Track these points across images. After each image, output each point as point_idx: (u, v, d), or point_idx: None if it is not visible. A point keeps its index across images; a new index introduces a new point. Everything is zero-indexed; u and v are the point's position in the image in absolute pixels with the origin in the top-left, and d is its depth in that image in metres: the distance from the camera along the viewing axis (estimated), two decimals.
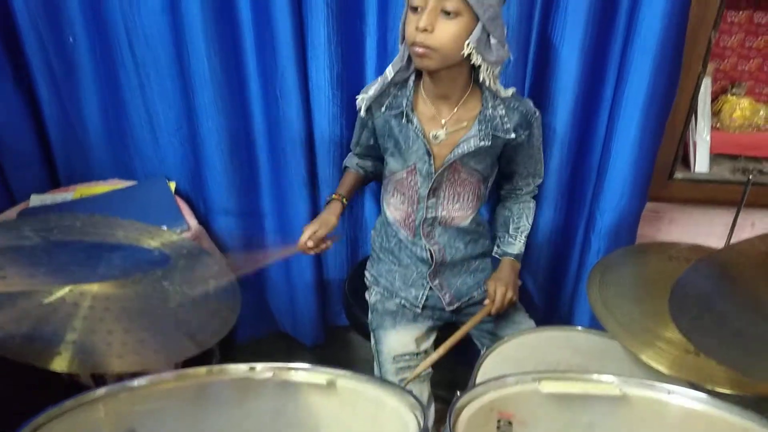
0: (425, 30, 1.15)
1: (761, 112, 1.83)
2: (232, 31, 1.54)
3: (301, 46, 1.53)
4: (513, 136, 1.32)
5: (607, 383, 0.89)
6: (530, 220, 1.51)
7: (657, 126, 1.54)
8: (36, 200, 1.70)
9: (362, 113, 1.38)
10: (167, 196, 1.74)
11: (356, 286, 1.65)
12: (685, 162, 1.83)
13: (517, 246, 1.48)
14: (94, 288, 1.06)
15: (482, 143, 1.30)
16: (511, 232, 1.49)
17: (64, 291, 1.05)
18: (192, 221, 1.66)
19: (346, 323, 1.82)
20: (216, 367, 0.90)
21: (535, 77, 1.58)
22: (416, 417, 0.81)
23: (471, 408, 0.79)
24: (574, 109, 1.56)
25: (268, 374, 0.91)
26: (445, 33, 1.16)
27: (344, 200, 1.49)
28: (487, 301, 1.39)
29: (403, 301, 1.47)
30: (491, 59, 1.22)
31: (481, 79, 1.27)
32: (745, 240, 0.97)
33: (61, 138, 1.74)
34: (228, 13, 1.51)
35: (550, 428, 0.86)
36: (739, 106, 1.84)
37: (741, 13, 1.81)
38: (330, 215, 1.44)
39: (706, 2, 1.49)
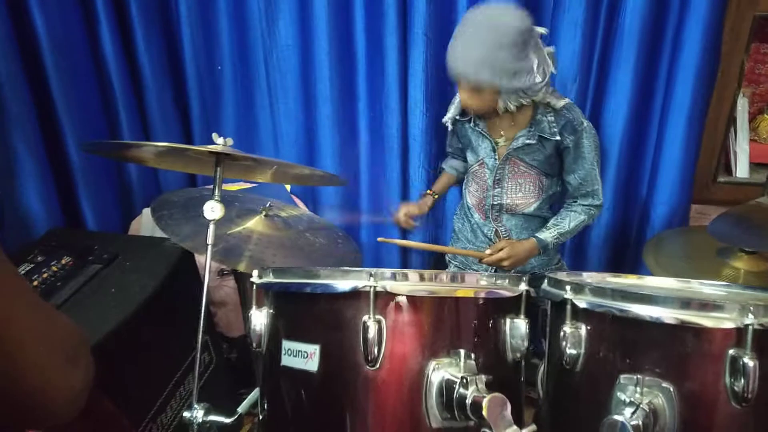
0: (466, 103, 1.55)
1: None
2: (350, 58, 1.95)
3: (404, 69, 1.92)
4: (558, 138, 1.56)
5: None
6: (571, 225, 1.62)
7: (698, 132, 1.84)
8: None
9: (449, 126, 1.75)
10: (284, 193, 2.13)
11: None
12: (730, 172, 2.10)
13: (546, 234, 1.62)
14: (259, 228, 1.46)
15: (528, 141, 1.59)
16: (549, 224, 1.66)
17: (239, 228, 1.45)
18: (305, 209, 2.03)
19: None
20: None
21: (596, 96, 1.91)
22: None
23: None
24: (628, 121, 1.88)
25: None
26: (479, 102, 1.53)
27: (435, 195, 1.86)
28: (488, 250, 1.62)
29: None
30: (527, 97, 1.51)
31: (527, 102, 1.54)
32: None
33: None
34: (347, 43, 1.92)
35: None
36: None
37: None
38: (423, 204, 1.82)
39: (737, 33, 1.81)
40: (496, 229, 1.73)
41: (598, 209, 1.67)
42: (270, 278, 0.96)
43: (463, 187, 1.84)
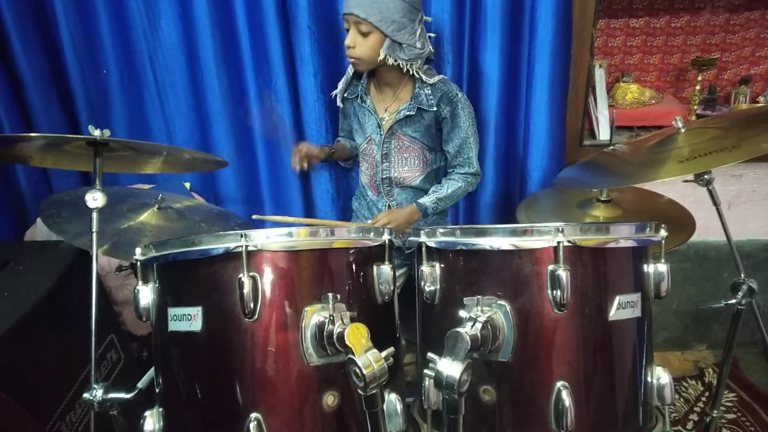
0: (350, 47, 1.64)
1: (646, 93, 2.37)
2: (235, 53, 2.00)
3: (290, 61, 2.00)
4: (435, 109, 1.73)
5: None
6: (449, 191, 1.77)
7: (560, 100, 2.03)
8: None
9: (339, 104, 1.84)
10: (184, 191, 2.16)
11: None
12: (595, 136, 2.34)
13: (425, 199, 1.76)
14: (153, 220, 1.51)
15: (408, 113, 1.73)
16: (429, 192, 1.81)
17: (131, 222, 1.49)
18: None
19: None
20: None
21: (470, 76, 2.07)
22: None
23: None
24: (500, 98, 2.05)
25: None
26: (363, 48, 1.65)
27: (332, 150, 1.95)
28: (370, 221, 1.75)
29: None
30: (405, 58, 1.66)
31: (405, 71, 1.71)
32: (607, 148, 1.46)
33: None
34: (231, 36, 1.98)
35: None
36: (629, 90, 2.38)
37: (619, 20, 2.38)
38: (320, 149, 1.94)
39: (584, 11, 2.02)
40: (389, 204, 1.85)
41: (475, 177, 1.82)
42: (152, 253, 1.02)
43: (358, 169, 1.95)
